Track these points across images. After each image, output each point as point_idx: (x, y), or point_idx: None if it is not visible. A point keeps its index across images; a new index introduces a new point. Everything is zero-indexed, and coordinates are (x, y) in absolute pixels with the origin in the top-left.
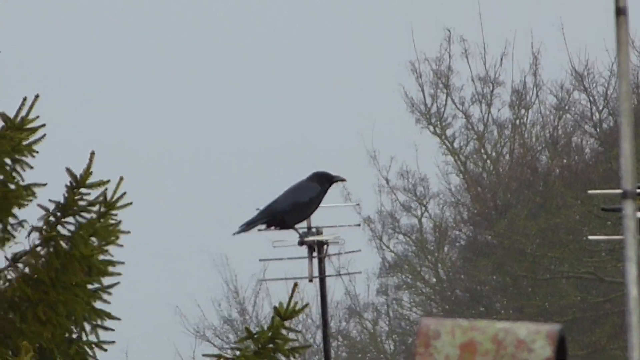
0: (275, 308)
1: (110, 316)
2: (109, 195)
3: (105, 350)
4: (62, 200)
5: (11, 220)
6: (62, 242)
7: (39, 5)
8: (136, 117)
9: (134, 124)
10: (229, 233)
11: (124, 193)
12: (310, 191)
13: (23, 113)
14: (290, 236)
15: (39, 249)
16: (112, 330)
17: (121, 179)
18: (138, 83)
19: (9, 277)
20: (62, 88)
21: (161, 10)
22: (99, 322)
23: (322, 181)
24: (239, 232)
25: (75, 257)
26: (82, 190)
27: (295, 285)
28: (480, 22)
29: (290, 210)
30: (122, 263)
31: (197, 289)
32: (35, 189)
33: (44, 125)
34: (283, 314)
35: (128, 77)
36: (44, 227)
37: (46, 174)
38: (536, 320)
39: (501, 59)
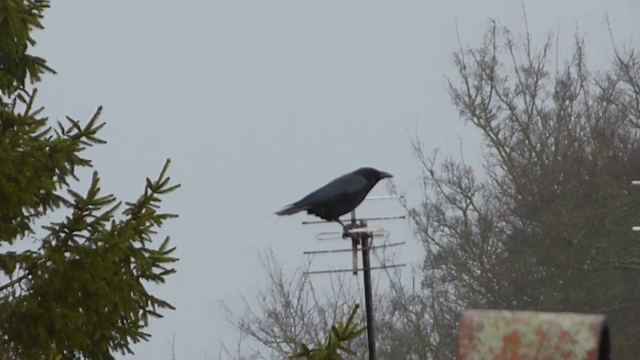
0: (333, 327)
1: (163, 304)
2: (153, 179)
3: (140, 339)
4: (65, 221)
5: (26, 212)
6: (66, 258)
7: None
8: (179, 107)
9: (177, 116)
10: (274, 226)
11: (168, 178)
12: (357, 184)
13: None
14: (334, 229)
15: (48, 263)
16: (161, 316)
17: (168, 161)
18: (183, 79)
19: (21, 289)
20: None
21: (199, 9)
22: (149, 308)
23: (369, 176)
24: (280, 213)
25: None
26: (90, 207)
27: (356, 307)
28: (524, 13)
29: (335, 200)
30: (175, 261)
31: (243, 282)
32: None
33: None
34: (341, 334)
35: (169, 79)
36: (52, 243)
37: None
38: (582, 311)
39: (545, 50)
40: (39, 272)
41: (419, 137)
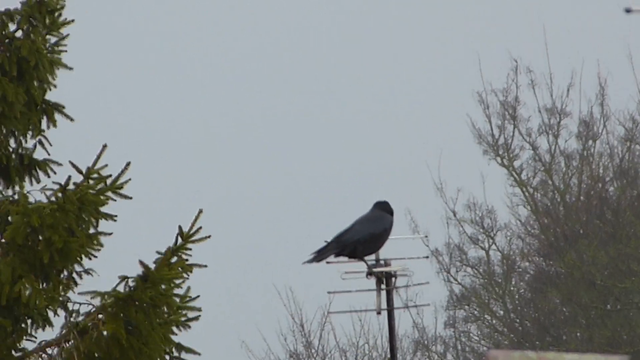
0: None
1: (189, 350)
2: (185, 228)
3: None
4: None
5: (77, 267)
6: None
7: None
8: (197, 141)
9: (195, 150)
10: (294, 266)
11: (200, 227)
12: (384, 222)
13: (90, 164)
14: (358, 267)
15: (105, 333)
16: None
17: (200, 211)
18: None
19: (72, 350)
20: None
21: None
22: (176, 354)
23: (390, 211)
24: (310, 262)
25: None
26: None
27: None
28: (546, 52)
29: (365, 240)
30: (197, 297)
31: (263, 322)
32: (102, 238)
33: (109, 175)
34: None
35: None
36: (110, 310)
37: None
38: (605, 351)
39: (568, 90)
40: (95, 336)
41: (441, 176)
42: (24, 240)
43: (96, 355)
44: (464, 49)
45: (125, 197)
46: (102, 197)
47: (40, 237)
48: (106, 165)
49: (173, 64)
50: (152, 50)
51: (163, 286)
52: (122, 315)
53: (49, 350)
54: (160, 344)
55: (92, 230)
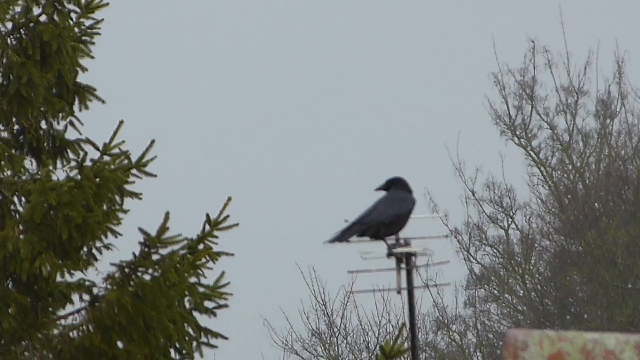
0: (381, 346)
1: (216, 335)
2: (213, 215)
3: None
4: (132, 258)
5: (97, 243)
6: (133, 293)
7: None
8: (228, 125)
9: (227, 134)
10: (316, 245)
11: (228, 215)
12: (408, 203)
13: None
14: (378, 247)
15: (113, 298)
16: (216, 347)
17: (229, 199)
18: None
19: (83, 319)
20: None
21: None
22: (203, 339)
23: (409, 190)
24: (331, 241)
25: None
26: (158, 245)
27: (403, 325)
28: (563, 32)
29: (390, 222)
30: (228, 291)
31: (285, 301)
32: (120, 215)
33: (127, 151)
34: (388, 352)
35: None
36: (116, 278)
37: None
38: (626, 330)
39: (585, 69)
40: (103, 306)
41: (459, 157)
42: (43, 218)
43: (106, 323)
44: (481, 31)
45: (150, 174)
46: (121, 174)
47: (59, 215)
48: (123, 142)
49: (223, 81)
50: (176, 42)
51: (166, 251)
52: (127, 283)
53: (62, 321)
54: (171, 308)
55: (113, 207)
